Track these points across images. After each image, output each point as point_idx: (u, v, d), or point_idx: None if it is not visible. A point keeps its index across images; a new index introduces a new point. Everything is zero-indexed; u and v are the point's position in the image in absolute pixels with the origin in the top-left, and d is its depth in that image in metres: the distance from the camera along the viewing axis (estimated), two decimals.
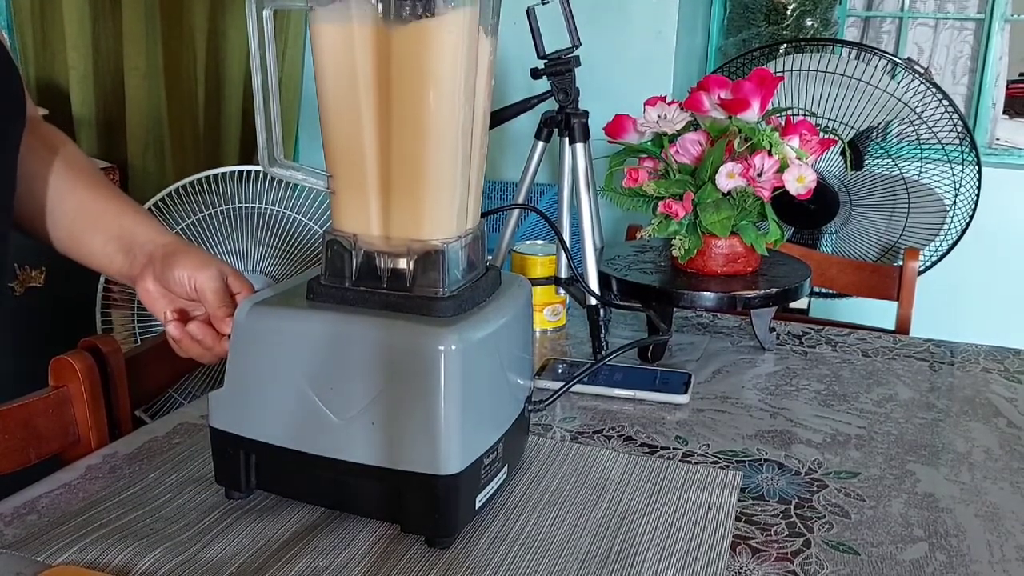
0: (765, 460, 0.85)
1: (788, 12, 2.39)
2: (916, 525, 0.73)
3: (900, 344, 1.19)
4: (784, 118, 1.08)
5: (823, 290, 1.98)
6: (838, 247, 2.03)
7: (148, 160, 2.41)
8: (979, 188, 1.95)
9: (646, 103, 1.10)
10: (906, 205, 1.93)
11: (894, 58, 1.93)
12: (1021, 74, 3.20)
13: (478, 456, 0.68)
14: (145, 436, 0.87)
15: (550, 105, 1.10)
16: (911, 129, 1.96)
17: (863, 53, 1.90)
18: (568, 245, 1.07)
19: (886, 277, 1.57)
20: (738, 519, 0.74)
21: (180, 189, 1.90)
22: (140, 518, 0.71)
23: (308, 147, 2.64)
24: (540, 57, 1.06)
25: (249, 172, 1.91)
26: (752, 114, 1.04)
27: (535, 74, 1.08)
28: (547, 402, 0.81)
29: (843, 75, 1.86)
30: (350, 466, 0.67)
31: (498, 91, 0.82)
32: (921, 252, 1.69)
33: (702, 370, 1.08)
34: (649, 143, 1.11)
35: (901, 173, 1.93)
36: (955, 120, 1.89)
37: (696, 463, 0.84)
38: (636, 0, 2.31)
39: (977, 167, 1.93)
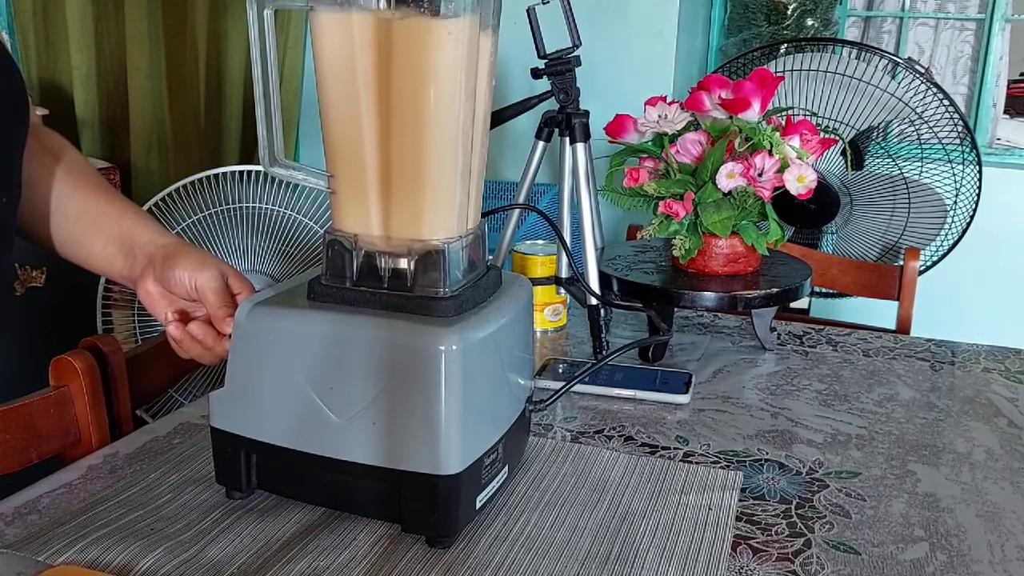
0: (766, 460, 0.85)
1: (789, 12, 2.39)
2: (917, 525, 0.73)
3: (901, 344, 1.19)
4: (785, 118, 1.08)
5: (824, 290, 1.98)
6: (839, 247, 2.03)
7: (151, 160, 2.42)
8: (980, 188, 1.95)
9: (647, 103, 1.10)
10: (907, 205, 1.93)
11: (895, 58, 1.93)
12: (1021, 74, 3.21)
13: (479, 456, 0.68)
14: (146, 436, 0.87)
15: (550, 105, 1.10)
16: (912, 129, 1.96)
17: (864, 53, 1.90)
18: (569, 245, 1.07)
19: (887, 277, 1.57)
20: (739, 519, 0.74)
21: (180, 189, 1.90)
22: (141, 518, 0.71)
23: (308, 147, 2.65)
24: (540, 57, 1.06)
25: (249, 172, 1.91)
26: (753, 114, 1.04)
27: (535, 74, 1.08)
28: (548, 402, 0.81)
29: (844, 75, 1.86)
30: (351, 466, 0.67)
31: (498, 91, 0.82)
32: (922, 252, 1.69)
33: (703, 370, 1.08)
34: (650, 143, 1.11)
35: (902, 173, 1.93)
36: (956, 120, 1.89)
37: (697, 463, 0.84)
38: (636, 0, 2.32)
39: (978, 167, 1.93)
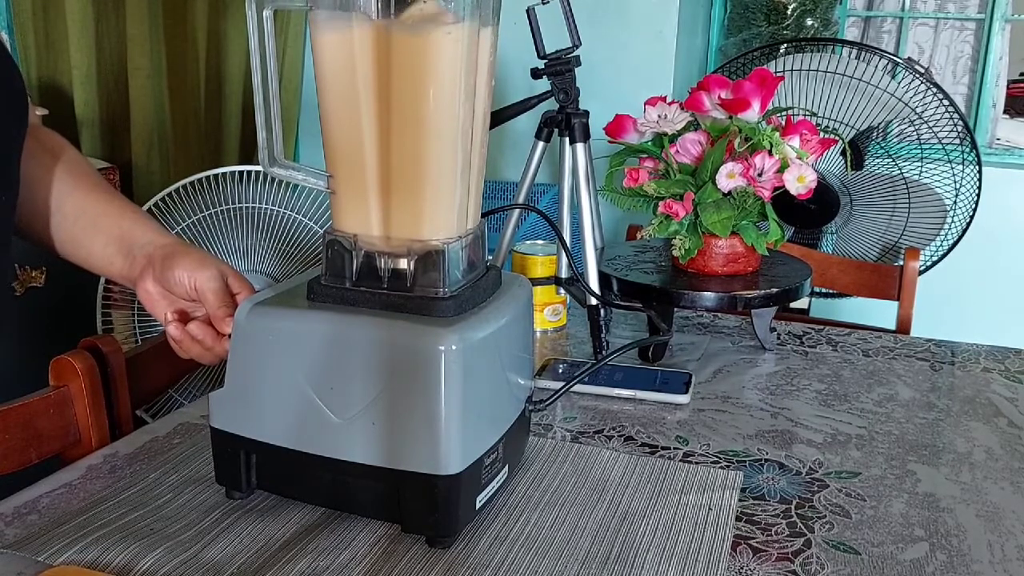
0: (766, 460, 0.85)
1: (788, 12, 2.39)
2: (917, 525, 0.73)
3: (901, 344, 1.19)
4: (784, 118, 1.08)
5: (824, 290, 1.98)
6: (838, 247, 2.03)
7: (152, 160, 2.42)
8: (979, 188, 1.95)
9: (646, 103, 1.10)
10: (906, 205, 1.93)
11: (894, 58, 1.93)
12: (1021, 74, 3.21)
13: (479, 456, 0.68)
14: (146, 436, 0.87)
15: (550, 105, 1.10)
16: (911, 129, 1.96)
17: (863, 53, 1.90)
18: (568, 245, 1.07)
19: (887, 277, 1.57)
20: (739, 519, 0.74)
21: (180, 189, 1.90)
22: (141, 518, 0.71)
23: (308, 147, 2.65)
24: (540, 57, 1.06)
25: (249, 172, 1.91)
26: (752, 114, 1.04)
27: (535, 74, 1.08)
28: (548, 402, 0.81)
29: (843, 75, 1.86)
30: (351, 466, 0.67)
31: (498, 91, 0.82)
32: (922, 252, 1.69)
33: (703, 370, 1.08)
34: (649, 143, 1.11)
35: (902, 173, 1.93)
36: (955, 120, 1.89)
37: (697, 463, 0.84)
38: (636, 0, 2.32)
39: (978, 167, 1.93)
